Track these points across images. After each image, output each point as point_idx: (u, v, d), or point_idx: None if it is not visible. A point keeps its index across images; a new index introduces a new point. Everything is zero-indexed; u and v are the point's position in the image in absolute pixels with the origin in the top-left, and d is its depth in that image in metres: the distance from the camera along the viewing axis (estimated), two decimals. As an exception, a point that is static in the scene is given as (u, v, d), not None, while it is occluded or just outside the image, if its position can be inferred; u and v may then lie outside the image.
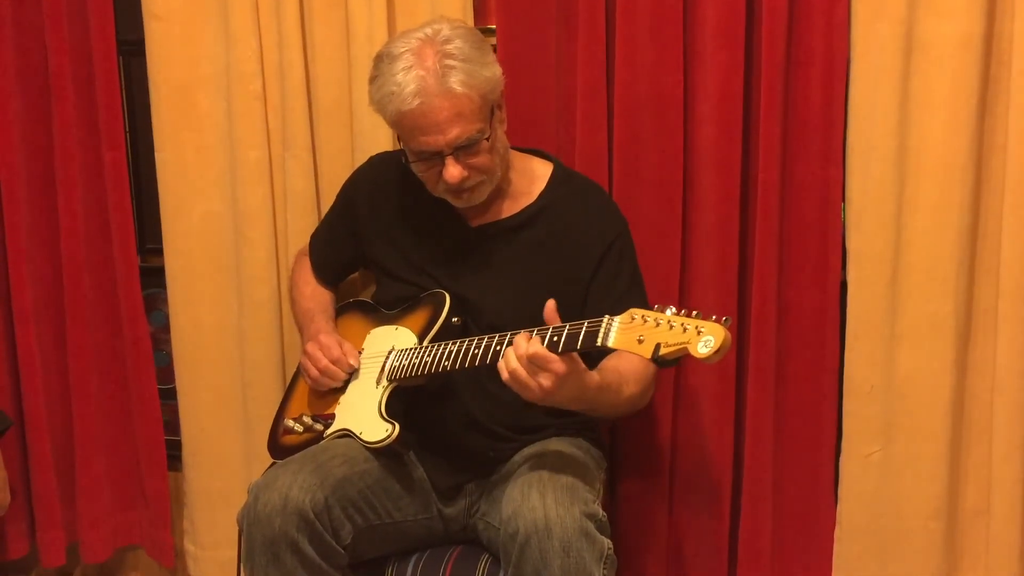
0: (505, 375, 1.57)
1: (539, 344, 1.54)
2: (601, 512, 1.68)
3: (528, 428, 1.85)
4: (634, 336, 1.48)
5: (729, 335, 1.42)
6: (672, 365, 1.48)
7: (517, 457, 1.82)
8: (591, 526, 1.61)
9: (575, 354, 1.56)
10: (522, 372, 1.54)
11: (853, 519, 2.10)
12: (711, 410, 2.12)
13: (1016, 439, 2.00)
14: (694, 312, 1.46)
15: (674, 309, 1.47)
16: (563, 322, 1.56)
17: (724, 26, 1.97)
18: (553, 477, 1.66)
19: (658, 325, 1.46)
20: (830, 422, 2.10)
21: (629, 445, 2.18)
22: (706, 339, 1.41)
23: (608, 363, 1.70)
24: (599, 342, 1.51)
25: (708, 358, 1.41)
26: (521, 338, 1.56)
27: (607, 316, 1.52)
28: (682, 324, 1.44)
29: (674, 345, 1.44)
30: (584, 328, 1.53)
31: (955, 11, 1.89)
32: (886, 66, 1.94)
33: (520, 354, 1.54)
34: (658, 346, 1.45)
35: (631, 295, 1.78)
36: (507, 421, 1.84)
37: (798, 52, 1.98)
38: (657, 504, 2.18)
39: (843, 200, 2.02)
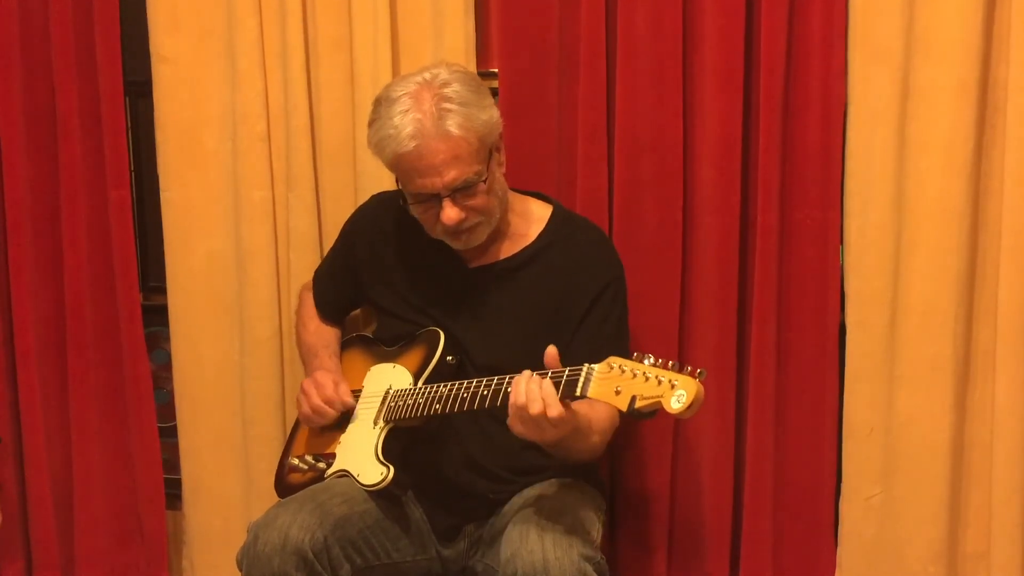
0: (514, 410, 1.56)
1: (556, 399, 1.53)
2: (600, 555, 1.68)
3: (527, 470, 1.85)
4: (612, 387, 1.47)
5: (702, 389, 1.40)
6: (648, 418, 1.49)
7: (516, 499, 1.82)
8: (590, 568, 1.61)
9: (569, 403, 1.56)
10: (536, 417, 1.54)
11: (853, 563, 2.10)
12: (710, 452, 2.12)
13: (1016, 482, 2.00)
14: (671, 363, 1.44)
15: (652, 359, 1.46)
16: (563, 366, 1.56)
17: (723, 71, 2.00)
18: (552, 519, 1.66)
19: (635, 376, 1.45)
20: (830, 464, 2.10)
21: (628, 487, 2.17)
22: (679, 394, 1.40)
23: (580, 408, 1.68)
24: (578, 391, 1.51)
25: (680, 413, 1.39)
26: (535, 386, 1.54)
27: (587, 365, 1.52)
28: (657, 377, 1.43)
29: (649, 398, 1.42)
30: (565, 376, 1.53)
31: (951, 58, 1.92)
32: (883, 111, 1.96)
33: (538, 412, 1.53)
34: (634, 399, 1.44)
35: (613, 343, 1.76)
36: (506, 463, 1.84)
37: (796, 97, 2.01)
38: (656, 546, 2.17)
39: (841, 243, 2.04)
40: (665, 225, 2.07)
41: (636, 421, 1.89)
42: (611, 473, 2.16)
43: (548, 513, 1.68)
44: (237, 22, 2.17)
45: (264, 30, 2.18)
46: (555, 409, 1.53)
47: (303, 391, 1.90)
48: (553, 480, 1.85)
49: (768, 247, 2.03)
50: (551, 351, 1.57)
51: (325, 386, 1.88)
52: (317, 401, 1.87)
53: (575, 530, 1.66)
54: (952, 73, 1.92)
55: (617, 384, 1.46)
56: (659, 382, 1.43)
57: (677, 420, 2.11)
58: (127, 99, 2.30)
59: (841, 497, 2.10)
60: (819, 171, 2.02)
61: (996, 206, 1.97)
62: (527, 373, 1.57)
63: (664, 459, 2.14)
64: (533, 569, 1.57)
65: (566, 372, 1.54)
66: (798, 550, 2.14)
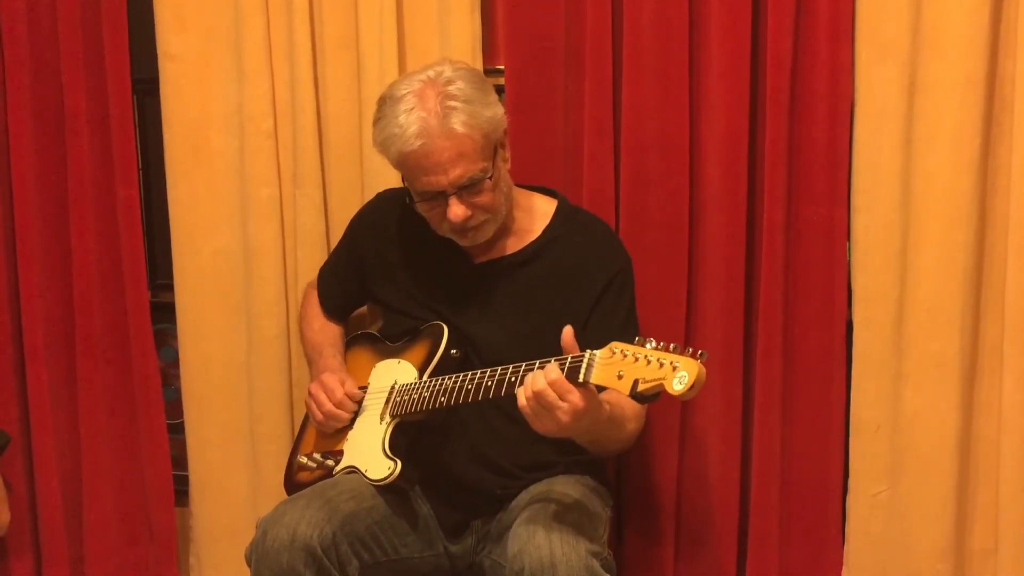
0: (523, 401, 1.55)
1: (559, 372, 1.53)
2: (607, 551, 1.68)
3: (535, 465, 1.86)
4: (614, 372, 1.47)
5: (703, 370, 1.41)
6: (652, 401, 1.47)
7: (524, 495, 1.82)
8: (596, 565, 1.61)
9: (592, 387, 1.54)
10: (547, 397, 1.52)
11: (860, 559, 2.10)
12: (717, 449, 2.12)
13: (1023, 479, 2.00)
14: (672, 346, 1.45)
15: (653, 342, 1.46)
16: (580, 351, 1.55)
17: (730, 67, 2.00)
18: (559, 515, 1.67)
19: (636, 360, 1.46)
20: (837, 461, 2.10)
21: (635, 484, 2.18)
22: (680, 375, 1.40)
23: (610, 397, 1.67)
24: (580, 377, 1.51)
25: (683, 395, 1.40)
26: (538, 373, 1.54)
27: (588, 351, 1.52)
28: (659, 359, 1.44)
29: (651, 381, 1.43)
30: (567, 364, 1.53)
31: (958, 53, 1.92)
32: (890, 107, 1.96)
33: (540, 387, 1.52)
34: (636, 382, 1.44)
35: (624, 333, 1.77)
36: (514, 458, 1.85)
37: (803, 93, 2.01)
38: (663, 543, 2.17)
39: (848, 240, 2.03)
40: (671, 222, 2.07)
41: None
42: (618, 469, 2.17)
43: (555, 509, 1.69)
44: (244, 20, 2.17)
45: (271, 28, 2.18)
46: (554, 373, 1.51)
47: (312, 396, 1.91)
48: (560, 476, 1.85)
49: (775, 244, 2.03)
50: (567, 331, 1.56)
51: (334, 390, 1.88)
52: (329, 407, 1.88)
53: (582, 526, 1.66)
54: (959, 69, 1.92)
55: (619, 368, 1.47)
56: (660, 365, 1.43)
57: (683, 418, 2.12)
58: (134, 97, 2.31)
59: (848, 494, 2.10)
60: (826, 168, 2.02)
61: (1003, 203, 1.97)
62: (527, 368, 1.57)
63: (671, 455, 2.14)
64: (540, 565, 1.57)
65: (568, 359, 1.54)
66: (805, 546, 2.14)
